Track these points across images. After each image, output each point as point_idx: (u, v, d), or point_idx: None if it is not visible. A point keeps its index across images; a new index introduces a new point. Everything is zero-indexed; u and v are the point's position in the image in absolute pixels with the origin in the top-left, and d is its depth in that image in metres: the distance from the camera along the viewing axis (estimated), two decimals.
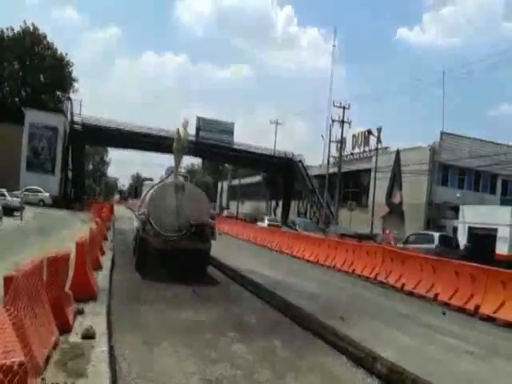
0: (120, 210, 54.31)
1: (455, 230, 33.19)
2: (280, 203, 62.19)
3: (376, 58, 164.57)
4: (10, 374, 1.97)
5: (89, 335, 5.91)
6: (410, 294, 12.42)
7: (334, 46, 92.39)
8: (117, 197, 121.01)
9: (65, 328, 6.00)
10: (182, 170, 17.48)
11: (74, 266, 7.94)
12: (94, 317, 7.10)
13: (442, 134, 40.53)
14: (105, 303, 8.18)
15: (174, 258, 12.65)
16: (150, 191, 13.99)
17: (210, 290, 11.60)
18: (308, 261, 18.79)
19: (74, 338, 5.90)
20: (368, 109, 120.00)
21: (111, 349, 5.80)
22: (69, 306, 6.51)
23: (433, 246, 23.42)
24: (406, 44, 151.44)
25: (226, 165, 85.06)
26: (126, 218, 40.86)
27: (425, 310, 10.70)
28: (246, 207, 72.62)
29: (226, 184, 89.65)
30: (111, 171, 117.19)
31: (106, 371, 4.88)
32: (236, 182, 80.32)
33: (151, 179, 31.89)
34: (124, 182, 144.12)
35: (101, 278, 10.14)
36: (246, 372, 6.01)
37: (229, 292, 11.84)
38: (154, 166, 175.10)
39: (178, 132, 14.48)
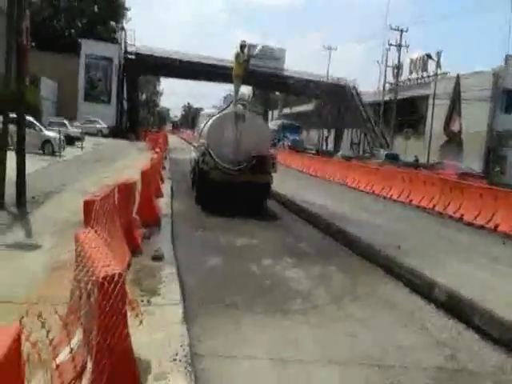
0: (173, 139, 55.22)
1: None
2: (332, 132, 61.25)
3: None
4: (112, 283, 2.21)
5: (158, 257, 6.29)
6: (470, 224, 12.24)
7: None
8: (169, 127, 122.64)
9: (135, 250, 6.39)
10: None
11: (140, 193, 8.31)
12: (160, 240, 7.51)
13: (507, 57, 37.90)
14: (169, 228, 8.60)
15: (234, 191, 12.08)
16: (209, 121, 13.43)
17: (267, 219, 11.83)
18: (362, 191, 18.71)
19: (145, 259, 6.28)
20: (427, 32, 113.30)
21: (178, 270, 6.15)
22: (137, 230, 6.89)
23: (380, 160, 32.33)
24: None
25: (277, 93, 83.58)
26: (180, 148, 41.71)
27: (484, 240, 10.59)
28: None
29: (276, 113, 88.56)
30: (162, 101, 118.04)
31: (177, 290, 5.24)
32: (287, 110, 79.16)
33: (202, 109, 32.00)
34: (175, 113, 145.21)
35: (163, 205, 10.58)
36: (304, 295, 6.25)
37: (286, 222, 12.01)
38: (204, 95, 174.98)
39: (238, 56, 13.46)
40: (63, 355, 2.69)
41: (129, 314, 2.44)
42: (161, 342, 3.82)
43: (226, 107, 14.00)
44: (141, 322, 2.59)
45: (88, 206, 4.35)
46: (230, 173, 12.16)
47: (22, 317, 2.12)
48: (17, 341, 1.68)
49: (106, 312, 2.20)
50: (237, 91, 13.88)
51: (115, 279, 2.21)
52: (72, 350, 2.55)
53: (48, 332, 2.24)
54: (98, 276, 2.21)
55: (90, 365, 2.38)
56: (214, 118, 13.33)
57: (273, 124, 58.79)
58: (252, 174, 12.26)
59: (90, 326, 2.47)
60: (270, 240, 9.45)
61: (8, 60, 9.18)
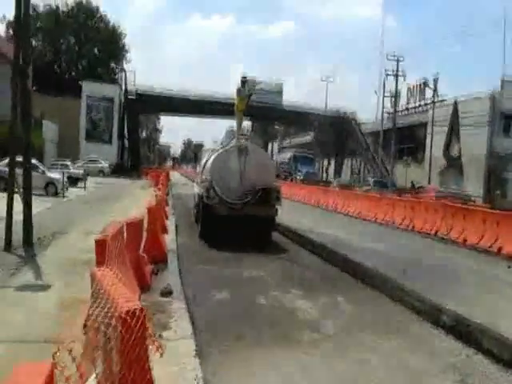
0: (174, 175, 55.69)
1: None
2: (332, 162, 61.65)
3: (427, 5, 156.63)
4: (134, 318, 2.31)
5: (167, 293, 6.36)
6: (473, 248, 12.31)
7: None
8: (170, 163, 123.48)
9: (144, 286, 6.47)
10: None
11: (147, 230, 8.43)
12: (168, 276, 7.59)
13: (503, 81, 38.51)
14: (176, 264, 8.68)
15: (239, 224, 11.91)
16: (212, 156, 13.45)
17: (272, 250, 11.88)
18: (365, 219, 18.80)
19: (154, 295, 6.36)
20: (422, 60, 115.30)
21: (188, 304, 6.22)
22: (146, 267, 6.98)
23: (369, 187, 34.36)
24: None
25: (276, 126, 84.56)
26: (181, 183, 42.01)
27: (489, 264, 10.63)
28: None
29: (276, 145, 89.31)
30: (162, 138, 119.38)
31: (188, 324, 5.30)
32: (287, 142, 79.86)
33: (202, 145, 32.38)
34: (175, 149, 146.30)
35: (168, 241, 10.68)
36: (312, 326, 6.28)
37: (292, 252, 12.03)
38: (203, 130, 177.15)
39: (239, 91, 13.68)
40: None
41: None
42: (175, 375, 3.88)
43: (229, 142, 14.04)
44: (161, 354, 2.67)
45: (99, 244, 4.47)
46: (234, 207, 12.08)
47: (55, 352, 2.22)
48: (51, 376, 1.78)
49: (129, 346, 2.29)
50: (239, 125, 14.08)
51: (137, 314, 2.31)
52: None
53: (77, 367, 2.33)
54: (121, 311, 2.31)
55: None
56: (217, 152, 13.37)
57: (282, 157, 57.57)
58: (257, 207, 12.16)
59: (110, 360, 2.56)
60: (276, 271, 9.50)
61: (14, 105, 9.46)
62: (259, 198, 12.22)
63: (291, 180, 45.69)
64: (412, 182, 40.89)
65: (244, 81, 13.71)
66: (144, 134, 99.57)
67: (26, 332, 4.79)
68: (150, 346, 2.55)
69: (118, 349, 2.34)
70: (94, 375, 2.85)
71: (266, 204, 12.27)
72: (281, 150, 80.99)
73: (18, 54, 9.37)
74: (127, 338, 2.29)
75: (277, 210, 12.53)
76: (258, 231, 12.44)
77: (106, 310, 2.52)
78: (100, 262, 4.24)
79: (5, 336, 4.64)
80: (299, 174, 48.06)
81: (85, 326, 2.96)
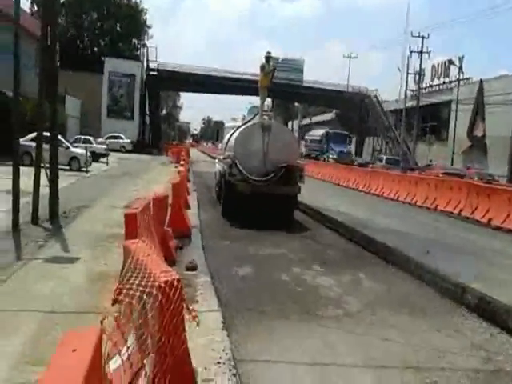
0: (194, 153, 55.86)
1: None
2: (353, 140, 61.05)
3: None
4: (172, 288, 2.38)
5: (192, 267, 6.47)
6: (498, 228, 12.18)
7: None
8: (189, 140, 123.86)
9: (170, 261, 6.56)
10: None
11: (171, 206, 8.53)
12: (192, 251, 7.69)
13: None
14: (199, 239, 8.79)
15: (261, 203, 11.82)
16: (235, 133, 13.32)
17: (294, 228, 11.92)
18: (387, 198, 18.70)
19: (179, 269, 6.46)
20: (448, 39, 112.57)
21: (213, 280, 6.32)
22: (171, 241, 7.09)
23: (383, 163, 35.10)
24: None
25: (297, 104, 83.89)
26: (201, 160, 42.18)
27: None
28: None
29: (296, 123, 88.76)
30: (182, 115, 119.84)
31: (214, 297, 5.40)
32: (307, 120, 79.27)
33: (222, 122, 32.30)
34: (194, 126, 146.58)
35: (191, 217, 10.79)
36: (336, 302, 6.34)
37: (312, 229, 12.08)
38: (222, 108, 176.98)
39: (264, 67, 13.45)
40: (117, 359, 2.86)
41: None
42: (204, 347, 3.98)
43: (252, 118, 13.93)
44: (197, 324, 2.74)
45: (129, 218, 4.55)
46: (257, 184, 11.97)
47: (103, 318, 2.30)
48: (99, 341, 1.85)
49: (167, 315, 2.37)
50: (263, 102, 13.87)
51: (175, 284, 2.38)
52: (128, 352, 2.71)
53: (123, 334, 2.41)
54: (160, 282, 2.38)
55: (147, 367, 2.54)
56: (240, 129, 13.24)
57: (313, 134, 55.10)
58: (279, 185, 12.07)
59: (146, 330, 2.64)
60: (298, 249, 9.55)
61: (41, 82, 9.56)
62: (282, 177, 12.10)
63: (324, 160, 43.50)
64: (430, 161, 40.47)
65: (268, 56, 13.48)
66: (164, 111, 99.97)
67: (58, 303, 4.92)
68: (187, 316, 2.61)
69: (157, 318, 2.41)
70: (125, 347, 2.93)
71: (289, 182, 12.14)
72: (300, 128, 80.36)
73: (46, 31, 9.43)
74: (166, 307, 2.36)
75: (300, 188, 12.40)
76: (281, 209, 12.41)
77: (143, 280, 2.58)
78: (130, 235, 4.32)
79: (39, 307, 4.78)
80: (332, 153, 45.52)
81: (115, 299, 3.03)
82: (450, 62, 45.06)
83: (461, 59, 43.62)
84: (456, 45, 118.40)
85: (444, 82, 47.04)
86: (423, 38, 44.18)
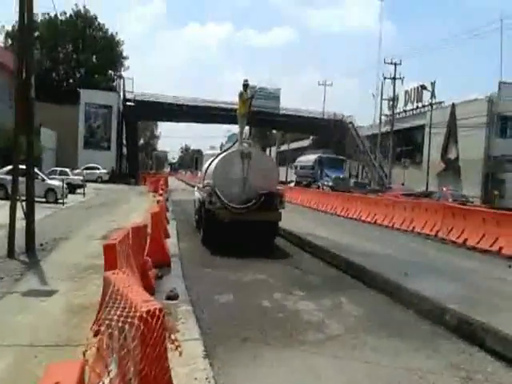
0: (172, 181, 55.69)
1: None
2: None
3: (423, 12, 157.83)
4: (154, 318, 2.39)
5: (173, 296, 6.42)
6: (473, 248, 12.39)
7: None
8: (167, 169, 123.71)
9: (149, 291, 6.51)
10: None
11: (150, 235, 8.49)
12: (172, 280, 7.65)
13: (501, 83, 38.80)
14: (179, 268, 8.75)
15: (242, 230, 11.76)
16: (215, 161, 13.21)
17: (273, 254, 11.93)
18: (364, 221, 18.88)
19: (159, 299, 6.40)
20: (418, 64, 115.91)
21: (194, 308, 6.29)
22: (150, 271, 7.05)
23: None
24: None
25: (274, 131, 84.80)
26: (179, 189, 42.09)
27: (489, 264, 10.71)
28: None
29: (274, 150, 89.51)
30: (160, 144, 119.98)
31: (195, 326, 5.38)
32: (284, 147, 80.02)
33: (200, 150, 32.33)
34: (172, 155, 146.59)
35: (170, 245, 10.75)
36: (317, 327, 6.36)
37: (292, 254, 12.10)
38: (200, 137, 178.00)
39: (241, 94, 13.53)
40: None
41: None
42: (187, 375, 3.96)
43: (231, 146, 13.93)
44: (180, 353, 2.74)
45: (108, 249, 4.54)
46: (237, 212, 11.90)
47: (86, 350, 2.29)
48: (82, 373, 1.84)
49: (150, 345, 2.37)
50: (242, 129, 13.90)
51: (156, 314, 2.39)
52: (111, 383, 2.70)
53: (106, 365, 2.40)
54: (141, 311, 2.39)
55: None
56: (220, 157, 13.19)
57: (304, 160, 50.85)
58: (260, 212, 12.02)
59: (128, 361, 2.63)
60: (278, 274, 9.56)
61: (17, 115, 9.55)
62: (262, 203, 12.07)
63: (318, 188, 40.11)
64: (402, 184, 41.65)
65: (246, 84, 13.56)
66: (142, 141, 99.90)
67: (35, 337, 4.84)
68: (169, 345, 2.62)
69: (140, 348, 2.41)
70: (108, 378, 2.91)
71: (269, 209, 12.12)
72: (278, 154, 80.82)
73: (21, 64, 9.45)
74: (149, 337, 2.36)
75: (280, 214, 12.39)
76: (262, 236, 12.39)
77: (124, 311, 2.59)
78: (110, 266, 4.31)
79: (15, 341, 4.70)
80: (327, 179, 41.55)
81: (97, 331, 3.02)
82: (423, 87, 46.31)
83: (433, 84, 44.90)
84: (428, 70, 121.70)
85: (417, 107, 48.26)
86: (396, 64, 45.52)
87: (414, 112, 48.65)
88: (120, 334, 2.57)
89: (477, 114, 37.28)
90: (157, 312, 2.42)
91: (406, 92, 49.71)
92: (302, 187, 40.43)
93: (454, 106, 40.98)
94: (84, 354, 2.25)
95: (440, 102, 44.64)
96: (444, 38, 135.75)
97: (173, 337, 2.77)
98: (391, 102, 47.59)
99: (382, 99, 48.03)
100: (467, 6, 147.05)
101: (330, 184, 39.18)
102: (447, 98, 44.84)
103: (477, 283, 8.66)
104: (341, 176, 41.88)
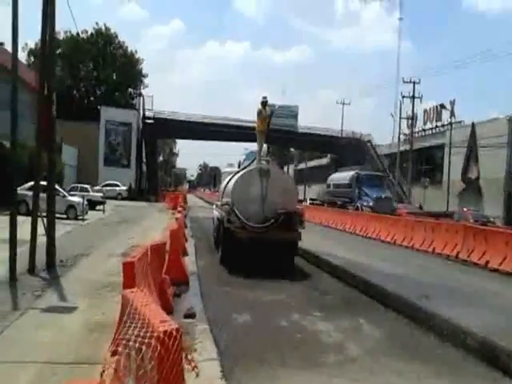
0: (190, 198, 56.07)
1: None
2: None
3: (443, 31, 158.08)
4: (172, 338, 2.37)
5: (190, 315, 6.40)
6: (495, 270, 12.14)
7: (400, 18, 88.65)
8: (186, 186, 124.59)
9: (167, 309, 6.50)
10: None
11: (169, 253, 8.51)
12: (190, 299, 7.63)
13: None
14: (197, 286, 8.74)
15: (261, 250, 11.50)
16: (233, 179, 13.02)
17: (292, 274, 11.83)
18: (383, 241, 18.68)
19: (177, 318, 6.39)
20: (438, 83, 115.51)
21: (211, 327, 6.25)
22: (168, 289, 7.04)
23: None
24: (476, 12, 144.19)
25: (292, 149, 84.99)
26: (198, 206, 42.27)
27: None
28: (314, 190, 72.39)
29: (291, 168, 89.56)
30: (179, 161, 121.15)
31: (212, 345, 5.33)
32: (302, 165, 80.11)
33: (218, 168, 32.44)
34: (190, 172, 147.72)
35: (189, 263, 10.75)
36: (336, 348, 6.26)
37: (311, 275, 11.96)
38: (217, 155, 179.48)
39: (261, 112, 13.36)
40: None
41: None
42: None
43: (250, 164, 13.78)
44: (197, 374, 2.72)
45: (127, 267, 4.55)
46: (256, 231, 11.65)
47: (103, 370, 2.28)
48: None
49: (167, 366, 2.35)
50: (261, 147, 13.63)
51: (174, 334, 2.38)
52: None
53: None
54: (158, 332, 2.38)
55: None
56: (238, 174, 13.00)
57: (339, 178, 45.65)
58: (279, 232, 11.76)
59: (144, 382, 2.61)
60: (297, 295, 9.48)
61: (39, 132, 9.73)
62: (282, 223, 11.81)
63: (356, 209, 35.90)
64: (420, 204, 41.35)
65: (264, 102, 13.43)
66: (161, 158, 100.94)
67: (55, 354, 4.85)
68: (186, 366, 2.60)
69: (156, 369, 2.40)
70: None
71: (288, 228, 11.85)
72: (296, 173, 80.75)
73: (43, 82, 9.66)
74: (166, 358, 2.35)
75: (300, 234, 12.07)
76: (281, 256, 12.07)
77: (142, 331, 2.58)
78: (128, 284, 4.32)
79: (35, 358, 4.71)
80: (366, 199, 37.13)
81: (114, 351, 3.00)
82: (442, 106, 46.04)
83: (452, 103, 44.62)
84: (447, 89, 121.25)
85: (436, 126, 47.94)
86: (414, 83, 45.37)
87: (434, 131, 48.32)
88: (137, 355, 2.56)
89: (497, 134, 36.86)
90: (174, 332, 2.40)
91: (425, 111, 49.47)
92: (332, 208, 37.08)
93: (473, 125, 40.63)
94: (101, 375, 2.24)
95: (459, 122, 44.31)
96: (462, 57, 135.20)
97: (190, 357, 2.75)
98: (410, 121, 47.35)
99: (400, 118, 47.89)
100: (488, 26, 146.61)
101: (371, 204, 35.17)
102: (466, 117, 44.38)
103: (499, 306, 8.45)
104: (382, 196, 37.33)
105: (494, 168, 37.61)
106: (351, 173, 42.15)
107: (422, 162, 49.40)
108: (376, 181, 40.39)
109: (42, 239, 9.55)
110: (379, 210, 28.93)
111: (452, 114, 43.77)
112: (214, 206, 16.13)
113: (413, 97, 45.47)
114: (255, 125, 13.97)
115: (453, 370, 5.71)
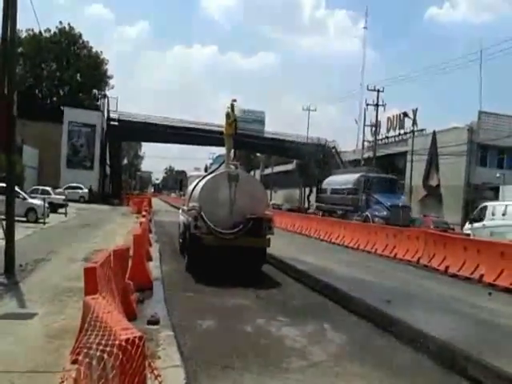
0: (155, 202, 55.44)
1: None
2: (314, 190, 61.96)
3: (405, 41, 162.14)
4: (134, 346, 2.33)
5: (154, 321, 6.32)
6: (454, 276, 12.45)
7: (365, 27, 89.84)
8: (151, 190, 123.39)
9: (130, 315, 6.39)
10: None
11: (132, 258, 8.39)
12: (154, 304, 7.55)
13: (480, 113, 39.76)
14: (161, 292, 8.63)
15: (228, 256, 11.30)
16: (201, 183, 12.59)
17: (256, 277, 11.83)
18: (347, 246, 18.92)
19: (140, 324, 6.30)
20: (401, 92, 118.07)
21: (175, 334, 6.19)
22: (132, 295, 6.94)
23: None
24: (437, 23, 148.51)
25: (258, 154, 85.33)
26: (163, 210, 41.84)
27: (470, 292, 10.76)
28: (279, 195, 72.85)
29: (258, 173, 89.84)
30: (144, 165, 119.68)
31: (176, 352, 5.28)
32: (268, 170, 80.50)
33: (184, 172, 32.17)
34: (156, 175, 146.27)
35: (153, 269, 10.62)
36: (300, 353, 6.29)
37: (276, 280, 11.95)
38: (184, 158, 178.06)
39: (228, 115, 13.15)
40: None
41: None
42: None
43: (218, 167, 13.52)
44: (160, 383, 2.68)
45: (89, 272, 4.46)
46: (224, 237, 11.29)
47: (62, 381, 2.22)
48: None
49: (129, 374, 2.31)
50: (229, 150, 13.41)
51: (136, 342, 2.33)
52: None
53: None
54: (120, 340, 2.33)
55: None
56: (206, 179, 12.58)
57: (340, 181, 35.75)
58: (248, 238, 11.43)
59: None
60: (262, 300, 9.48)
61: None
62: (250, 228, 11.49)
63: (365, 220, 27.88)
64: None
65: (233, 104, 13.27)
66: (125, 161, 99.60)
67: (13, 362, 4.70)
68: (148, 374, 2.56)
69: (118, 378, 2.35)
70: None
71: (257, 234, 11.57)
72: (262, 177, 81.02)
73: (3, 80, 9.39)
74: (128, 366, 2.31)
75: (269, 240, 11.82)
76: (249, 262, 11.85)
77: (103, 339, 2.53)
78: (90, 290, 4.23)
79: None
80: (378, 208, 28.70)
81: (75, 359, 2.93)
82: (405, 114, 47.07)
83: (414, 111, 45.68)
84: (409, 98, 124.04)
85: (399, 134, 49.03)
86: (378, 91, 46.24)
87: (397, 139, 49.43)
88: (98, 364, 2.51)
89: (457, 142, 38.06)
90: (136, 340, 2.36)
91: (389, 119, 50.57)
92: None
93: (435, 133, 41.75)
94: None
95: (422, 130, 45.48)
96: (425, 66, 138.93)
97: (153, 365, 2.71)
98: (374, 128, 48.27)
99: (364, 125, 48.84)
100: (448, 37, 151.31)
101: (385, 214, 27.67)
102: (428, 125, 45.62)
103: (457, 311, 8.67)
104: (399, 203, 29.15)
105: (454, 176, 38.81)
106: (356, 175, 33.33)
107: (386, 168, 50.27)
108: (389, 184, 31.70)
109: (0, 243, 9.28)
110: (395, 222, 23.66)
111: (414, 122, 44.81)
112: (181, 211, 15.91)
113: (376, 105, 46.36)
114: (223, 129, 13.84)
115: (412, 373, 5.82)
